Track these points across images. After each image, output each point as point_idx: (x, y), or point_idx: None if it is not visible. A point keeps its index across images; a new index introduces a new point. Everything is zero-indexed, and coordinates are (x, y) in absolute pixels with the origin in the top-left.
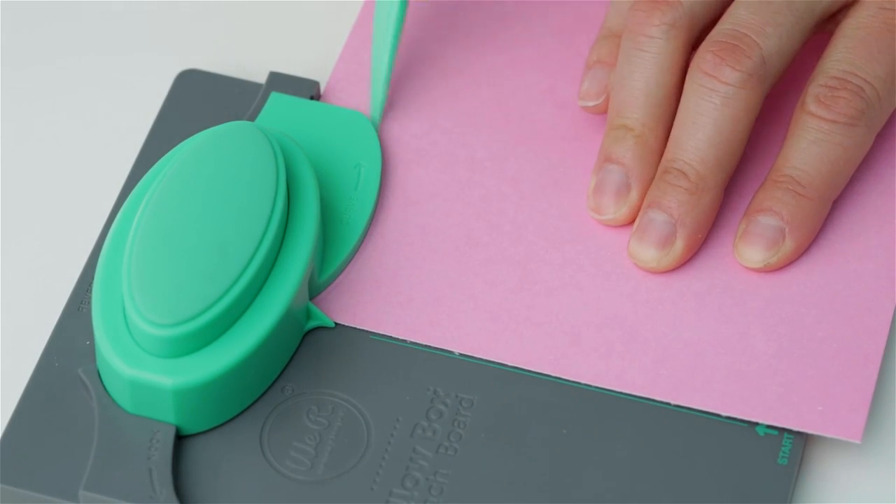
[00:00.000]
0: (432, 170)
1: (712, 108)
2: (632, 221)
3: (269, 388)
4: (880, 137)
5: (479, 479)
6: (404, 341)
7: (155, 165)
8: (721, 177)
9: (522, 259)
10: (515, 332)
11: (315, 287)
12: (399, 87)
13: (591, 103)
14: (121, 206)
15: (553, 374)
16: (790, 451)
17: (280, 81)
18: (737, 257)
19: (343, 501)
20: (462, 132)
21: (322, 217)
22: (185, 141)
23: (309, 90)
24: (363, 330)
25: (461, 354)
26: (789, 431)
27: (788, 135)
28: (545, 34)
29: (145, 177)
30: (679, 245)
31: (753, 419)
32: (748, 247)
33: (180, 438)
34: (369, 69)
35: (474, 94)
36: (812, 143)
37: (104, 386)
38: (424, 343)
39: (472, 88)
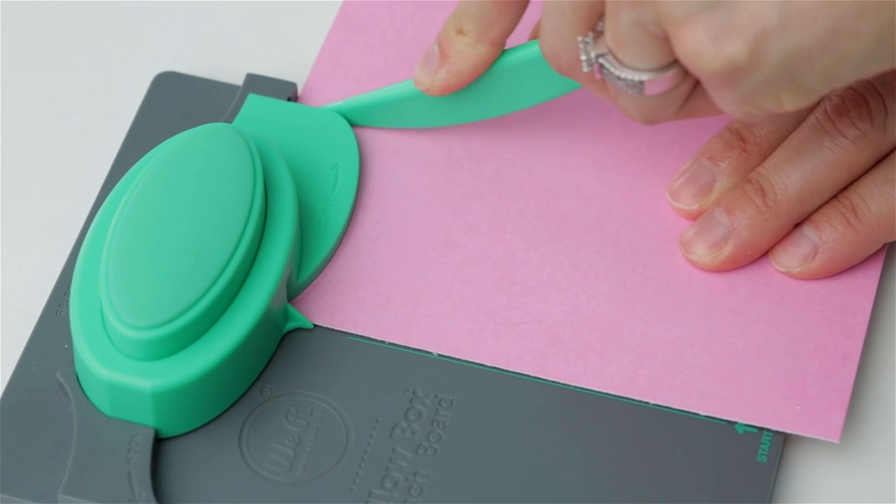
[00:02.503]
0: (410, 170)
1: (819, 149)
2: (694, 218)
3: (248, 390)
4: None
5: (459, 479)
6: (383, 342)
7: (132, 168)
8: (796, 212)
9: (500, 259)
10: (493, 332)
11: (293, 288)
12: (377, 87)
13: (683, 206)
14: (99, 208)
15: (532, 375)
16: (769, 448)
17: (257, 83)
18: (769, 255)
19: (322, 502)
20: (439, 132)
21: (300, 218)
22: (163, 143)
23: (286, 91)
24: (342, 331)
25: (439, 355)
26: (769, 429)
27: (874, 168)
28: (522, 33)
29: (123, 179)
30: (726, 251)
31: (732, 419)
32: (782, 250)
33: (159, 441)
34: (346, 70)
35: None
36: (886, 181)
37: (83, 389)
38: (403, 344)
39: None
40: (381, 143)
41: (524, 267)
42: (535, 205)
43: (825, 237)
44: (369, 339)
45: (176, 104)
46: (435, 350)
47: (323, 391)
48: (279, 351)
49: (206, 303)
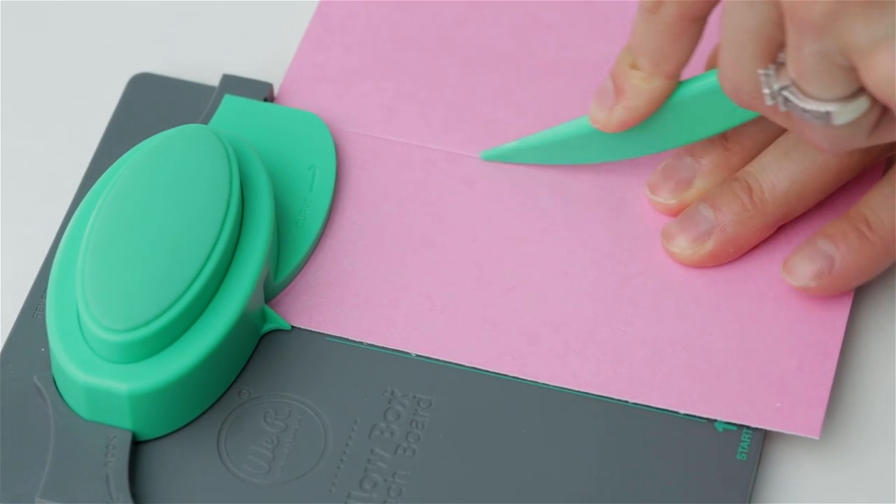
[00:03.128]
0: (387, 171)
1: (808, 151)
2: (672, 214)
3: (226, 391)
4: None
5: (438, 480)
6: (361, 343)
7: (108, 170)
8: (781, 212)
9: (478, 259)
10: (472, 332)
11: (271, 290)
12: (354, 88)
13: (661, 199)
14: (75, 210)
15: (510, 374)
16: (749, 446)
17: (233, 84)
18: (782, 270)
19: None
20: (416, 133)
21: (276, 219)
22: (139, 145)
23: (262, 92)
24: (319, 332)
25: (417, 355)
26: (748, 427)
27: (881, 180)
28: (499, 35)
29: (99, 181)
30: (708, 246)
31: (712, 416)
32: (797, 264)
33: (137, 444)
34: (323, 71)
35: (428, 95)
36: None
37: (60, 393)
38: (381, 345)
39: (427, 89)
40: (359, 144)
41: (503, 267)
42: (513, 204)
43: (842, 250)
44: (347, 339)
45: (152, 105)
46: (413, 351)
47: (301, 393)
48: (257, 352)
49: (182, 305)
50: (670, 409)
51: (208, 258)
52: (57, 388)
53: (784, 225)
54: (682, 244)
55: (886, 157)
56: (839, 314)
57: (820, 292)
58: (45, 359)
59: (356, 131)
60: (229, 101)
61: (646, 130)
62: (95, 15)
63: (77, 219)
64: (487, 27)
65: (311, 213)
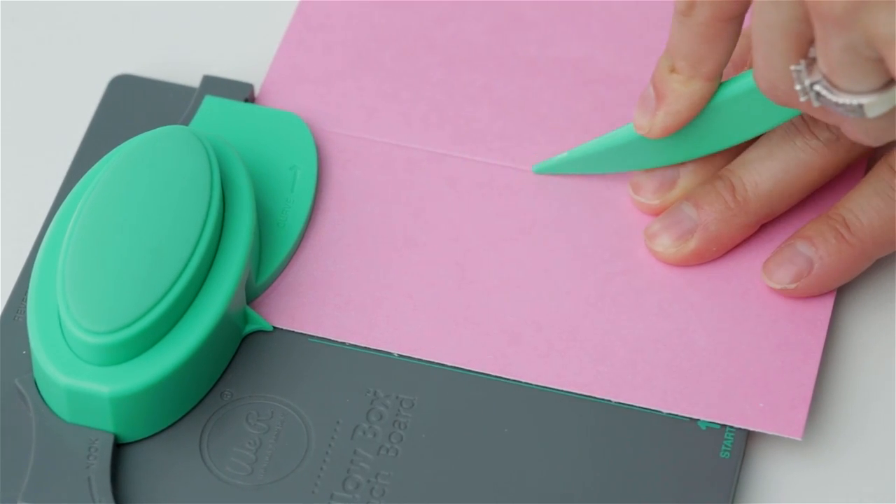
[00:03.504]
0: (369, 171)
1: (792, 149)
2: (655, 214)
3: (208, 393)
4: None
5: (421, 480)
6: (343, 343)
7: (89, 172)
8: (764, 211)
9: (461, 258)
10: (454, 332)
11: (252, 291)
12: (335, 87)
13: (644, 200)
14: (55, 212)
15: (494, 374)
16: (732, 444)
17: (214, 85)
18: (762, 272)
19: None
20: (399, 132)
21: (258, 220)
22: (120, 146)
23: (243, 93)
24: (301, 333)
25: (400, 355)
26: (731, 426)
27: (861, 181)
28: (480, 32)
29: (79, 183)
30: (691, 245)
31: (694, 416)
32: (776, 267)
33: (119, 446)
34: (304, 71)
35: (410, 94)
36: (875, 194)
37: (41, 395)
38: (364, 345)
39: (408, 89)
40: (340, 144)
41: (485, 266)
42: (494, 203)
43: (820, 252)
44: (330, 340)
45: (132, 107)
46: (396, 351)
47: (283, 394)
48: (239, 354)
49: (164, 307)
50: (653, 408)
51: (189, 260)
52: (38, 390)
53: (767, 223)
54: (665, 243)
55: (868, 157)
56: (821, 314)
57: (799, 294)
58: (27, 361)
59: (338, 131)
60: (210, 102)
61: (691, 134)
62: (75, 17)
63: (58, 221)
64: (469, 25)
65: (292, 213)
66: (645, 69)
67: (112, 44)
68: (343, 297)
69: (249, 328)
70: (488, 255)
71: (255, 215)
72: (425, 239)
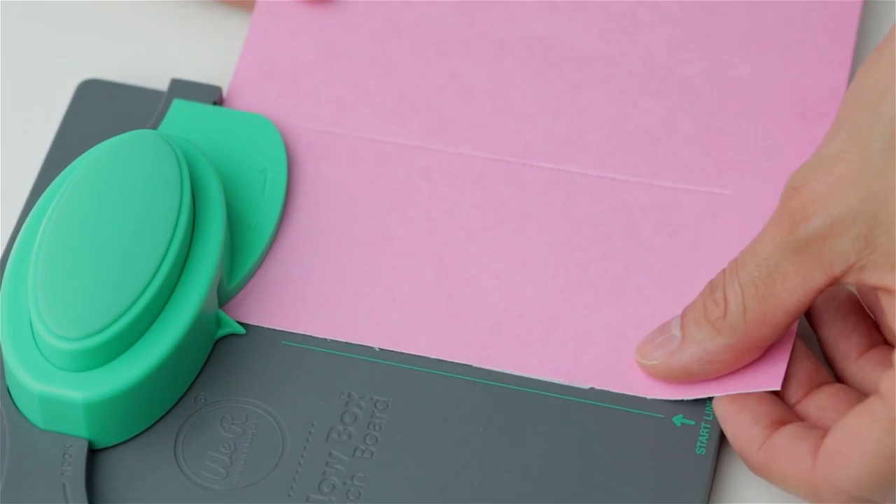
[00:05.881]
0: (342, 166)
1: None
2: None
3: (182, 398)
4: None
5: (397, 481)
6: (316, 346)
7: (58, 177)
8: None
9: (438, 250)
10: (435, 324)
11: (224, 294)
12: (304, 81)
13: (647, 361)
14: (25, 219)
15: (475, 364)
16: (707, 440)
17: (182, 88)
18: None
19: None
20: (368, 126)
21: (229, 224)
22: (88, 151)
23: (212, 96)
24: (274, 335)
25: (381, 350)
26: (706, 421)
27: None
28: (446, 13)
29: (49, 188)
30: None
31: (677, 397)
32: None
33: (93, 452)
34: (271, 66)
35: (378, 85)
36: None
37: (14, 402)
38: (344, 340)
39: (376, 79)
40: (311, 143)
41: (462, 257)
42: (469, 194)
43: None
44: (302, 343)
45: (101, 112)
46: (377, 345)
47: (257, 397)
48: (212, 358)
49: (135, 312)
50: (636, 394)
51: (160, 264)
52: (11, 397)
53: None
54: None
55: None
56: None
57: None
58: None
59: (308, 127)
60: (178, 106)
61: None
62: (42, 21)
63: (27, 227)
64: (434, 6)
65: (263, 216)
66: (613, 45)
67: (80, 48)
68: (322, 294)
69: (222, 332)
70: (465, 246)
71: (225, 219)
72: (401, 232)
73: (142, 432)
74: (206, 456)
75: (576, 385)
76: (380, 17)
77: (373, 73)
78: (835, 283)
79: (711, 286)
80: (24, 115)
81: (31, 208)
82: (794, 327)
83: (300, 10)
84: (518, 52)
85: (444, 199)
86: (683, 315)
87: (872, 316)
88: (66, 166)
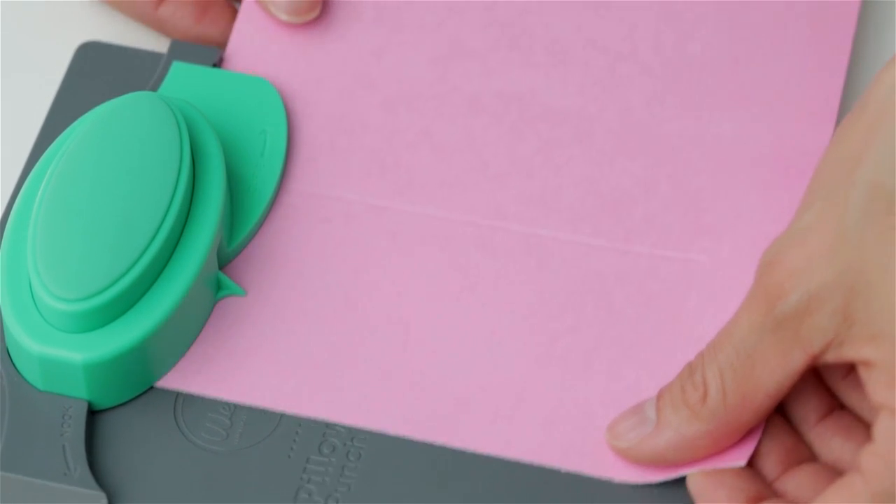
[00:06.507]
0: (306, 225)
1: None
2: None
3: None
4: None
5: (396, 444)
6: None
7: (57, 140)
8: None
9: (403, 319)
10: (398, 398)
11: (224, 256)
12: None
13: (618, 443)
14: (24, 181)
15: (438, 444)
16: None
17: (182, 50)
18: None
19: (260, 471)
20: (336, 184)
21: (228, 185)
22: (88, 113)
23: (211, 58)
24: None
25: (343, 427)
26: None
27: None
28: (419, 67)
29: (48, 151)
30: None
31: (645, 481)
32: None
33: (93, 414)
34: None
35: (348, 142)
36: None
37: (14, 364)
38: (302, 415)
39: (346, 136)
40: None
41: (428, 326)
42: (438, 258)
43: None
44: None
45: (100, 74)
46: (335, 420)
47: None
48: (212, 319)
49: (135, 273)
50: (604, 476)
51: (160, 226)
52: (11, 359)
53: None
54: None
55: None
56: None
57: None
58: None
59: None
60: (178, 68)
61: None
62: None
63: (27, 189)
64: (406, 56)
65: (263, 177)
66: (591, 101)
67: (79, 10)
68: (282, 364)
69: (222, 293)
70: (431, 315)
71: (225, 180)
72: (365, 298)
73: (142, 394)
74: (205, 418)
75: (543, 465)
76: (350, 72)
77: (342, 129)
78: (815, 361)
79: (690, 368)
80: (23, 78)
81: (30, 171)
82: None
83: (271, 59)
84: (492, 109)
85: (412, 263)
86: (659, 397)
87: (838, 395)
88: (65, 129)
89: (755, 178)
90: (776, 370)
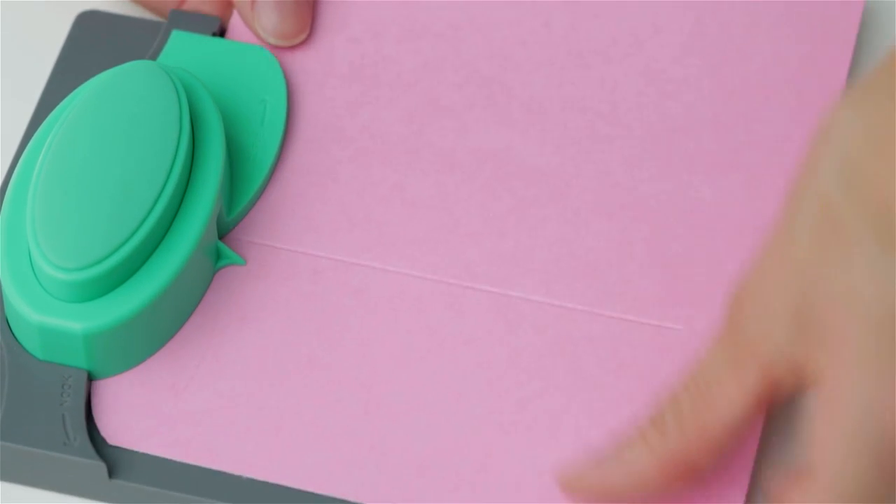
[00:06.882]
0: (271, 281)
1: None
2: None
3: (181, 328)
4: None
5: None
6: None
7: (56, 108)
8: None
9: (366, 381)
10: (359, 464)
11: (224, 225)
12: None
13: (566, 474)
14: (23, 151)
15: None
16: None
17: (181, 19)
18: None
19: None
20: (303, 239)
21: (228, 154)
22: (87, 82)
23: (211, 27)
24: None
25: (299, 491)
26: None
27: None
28: (393, 121)
29: (47, 120)
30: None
31: None
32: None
33: (92, 383)
34: None
35: (317, 196)
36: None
37: (13, 333)
38: (259, 479)
39: (315, 187)
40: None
41: (391, 389)
42: (404, 318)
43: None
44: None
45: (99, 43)
46: (296, 485)
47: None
48: (212, 289)
49: (135, 242)
50: None
51: (160, 195)
52: (10, 328)
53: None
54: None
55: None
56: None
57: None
58: None
59: (238, 238)
60: (177, 37)
61: None
62: None
63: (26, 159)
64: (381, 112)
65: (262, 147)
66: (568, 161)
67: None
68: (237, 427)
69: (222, 263)
70: (396, 377)
71: (224, 149)
72: (329, 359)
73: (141, 363)
74: None
75: None
76: (322, 125)
77: (310, 182)
78: (773, 386)
79: (652, 409)
80: (22, 46)
81: (29, 140)
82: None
83: None
84: (466, 165)
85: (377, 322)
86: (617, 438)
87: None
88: (64, 98)
89: (734, 245)
90: (734, 398)
